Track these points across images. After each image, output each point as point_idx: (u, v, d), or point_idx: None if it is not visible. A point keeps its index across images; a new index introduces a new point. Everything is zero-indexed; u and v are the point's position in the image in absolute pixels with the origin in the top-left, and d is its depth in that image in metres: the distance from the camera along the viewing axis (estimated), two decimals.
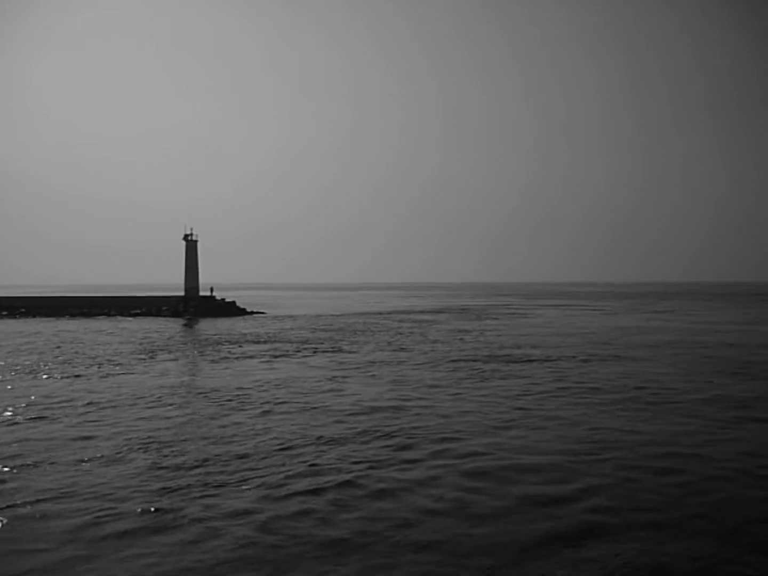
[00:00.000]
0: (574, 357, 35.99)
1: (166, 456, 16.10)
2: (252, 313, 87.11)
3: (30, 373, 31.08)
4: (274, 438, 17.88)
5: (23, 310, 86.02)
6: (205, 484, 13.92)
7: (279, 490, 13.60)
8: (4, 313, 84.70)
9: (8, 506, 12.62)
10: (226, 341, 47.74)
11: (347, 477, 14.42)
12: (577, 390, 25.10)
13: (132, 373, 30.81)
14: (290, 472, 14.73)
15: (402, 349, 40.96)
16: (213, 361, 35.72)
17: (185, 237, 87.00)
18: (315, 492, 13.45)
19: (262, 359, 36.32)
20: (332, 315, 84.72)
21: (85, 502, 12.83)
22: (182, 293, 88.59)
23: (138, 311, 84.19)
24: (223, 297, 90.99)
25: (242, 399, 23.87)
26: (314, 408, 22.16)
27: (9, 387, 26.87)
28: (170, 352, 40.37)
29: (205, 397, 24.42)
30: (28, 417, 20.80)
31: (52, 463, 15.50)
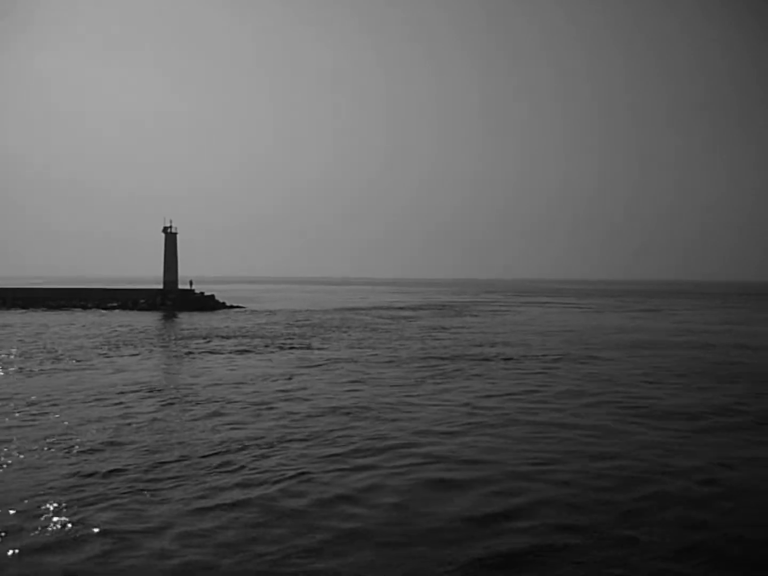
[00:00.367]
0: (544, 356, 35.26)
1: (87, 462, 15.16)
2: (231, 307, 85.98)
3: None
4: (211, 442, 16.97)
5: None
6: (122, 494, 13.02)
7: (199, 501, 12.72)
8: None
9: None
10: (195, 336, 46.74)
11: (276, 488, 13.54)
12: (540, 394, 24.28)
13: (86, 369, 29.80)
14: (217, 482, 13.84)
15: (372, 347, 40.12)
16: (175, 357, 34.78)
17: (164, 229, 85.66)
18: (238, 505, 12.55)
19: (226, 355, 35.39)
20: (312, 310, 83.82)
21: None
22: (161, 286, 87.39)
23: (115, 304, 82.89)
24: (202, 290, 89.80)
25: (191, 398, 22.95)
26: (264, 409, 21.26)
27: None
28: (135, 346, 39.35)
29: (153, 395, 23.49)
30: None
31: None
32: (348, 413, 20.56)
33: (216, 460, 15.25)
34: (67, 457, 15.48)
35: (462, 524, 11.71)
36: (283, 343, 41.69)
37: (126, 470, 14.41)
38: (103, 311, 78.19)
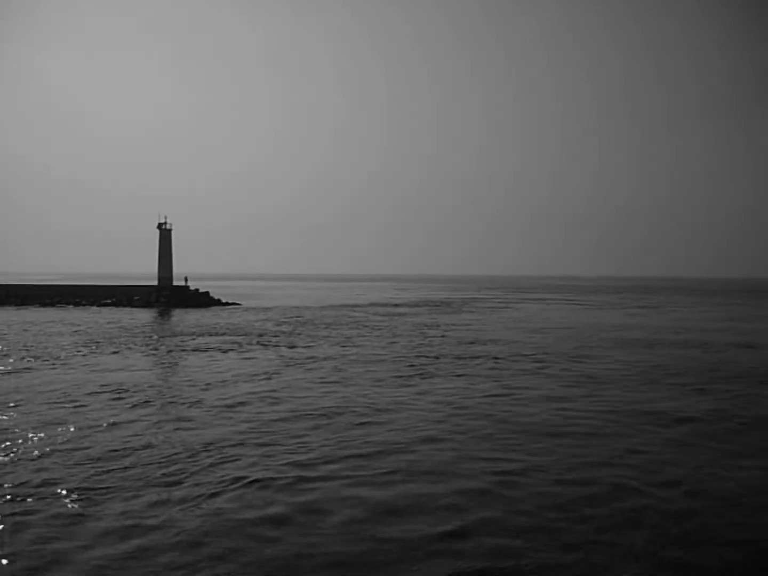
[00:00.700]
0: (534, 355, 34.31)
1: (21, 471, 14.27)
2: (227, 304, 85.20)
3: None
4: (164, 448, 16.11)
5: None
6: (44, 510, 12.15)
7: (129, 518, 11.86)
8: None
9: None
10: (182, 333, 45.94)
11: (217, 502, 12.67)
12: (520, 396, 23.30)
13: (60, 369, 29.00)
14: (156, 496, 12.95)
15: (358, 345, 39.22)
16: (155, 356, 33.95)
17: (159, 225, 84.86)
18: (169, 524, 11.65)
19: (208, 353, 34.57)
20: (308, 307, 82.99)
21: None
22: (156, 283, 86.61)
23: (109, 301, 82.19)
24: (197, 287, 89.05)
25: (159, 399, 22.10)
26: (231, 411, 20.40)
27: None
28: (117, 345, 38.57)
29: (121, 396, 22.62)
30: None
31: None
32: (316, 416, 19.67)
33: (162, 470, 14.36)
34: (2, 466, 14.62)
35: (413, 545, 10.83)
36: (269, 341, 40.83)
37: (60, 481, 13.50)
38: (97, 308, 77.51)
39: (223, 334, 45.60)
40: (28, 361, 31.32)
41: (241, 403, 21.39)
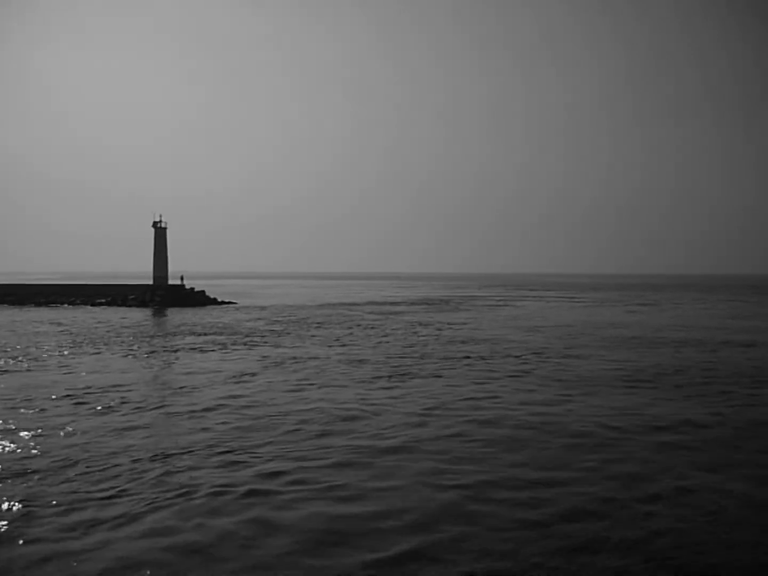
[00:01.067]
0: (522, 355, 33.31)
1: None
2: (222, 303, 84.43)
3: None
4: (106, 459, 15.24)
5: None
6: None
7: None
8: None
9: None
10: (170, 333, 45.15)
11: (134, 528, 11.80)
12: (494, 401, 22.29)
13: (34, 370, 28.17)
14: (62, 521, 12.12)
15: (345, 344, 38.32)
16: (134, 357, 33.11)
17: (154, 224, 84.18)
18: (91, 551, 10.81)
19: (189, 354, 33.72)
20: (304, 306, 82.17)
21: None
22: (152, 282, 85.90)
23: (103, 300, 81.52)
24: (192, 286, 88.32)
25: (121, 404, 21.20)
26: (193, 417, 19.52)
27: None
28: (100, 345, 37.78)
29: (85, 400, 21.76)
30: None
31: None
32: (282, 423, 18.75)
33: (103, 483, 13.45)
34: None
35: (360, 571, 9.94)
36: (255, 341, 39.98)
37: None
38: (91, 308, 76.86)
39: (211, 333, 44.78)
40: (5, 362, 30.55)
41: (207, 409, 20.47)
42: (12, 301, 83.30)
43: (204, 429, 18.01)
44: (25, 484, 13.29)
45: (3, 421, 18.81)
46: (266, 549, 10.49)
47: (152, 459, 15.11)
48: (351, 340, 40.52)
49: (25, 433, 17.44)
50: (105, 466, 14.52)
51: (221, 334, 44.74)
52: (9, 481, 13.54)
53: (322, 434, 17.43)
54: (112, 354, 34.09)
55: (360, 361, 31.25)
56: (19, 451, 15.76)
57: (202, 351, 35.13)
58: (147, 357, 32.95)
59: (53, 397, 22.34)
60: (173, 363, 30.84)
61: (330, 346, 37.29)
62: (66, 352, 34.46)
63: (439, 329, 48.40)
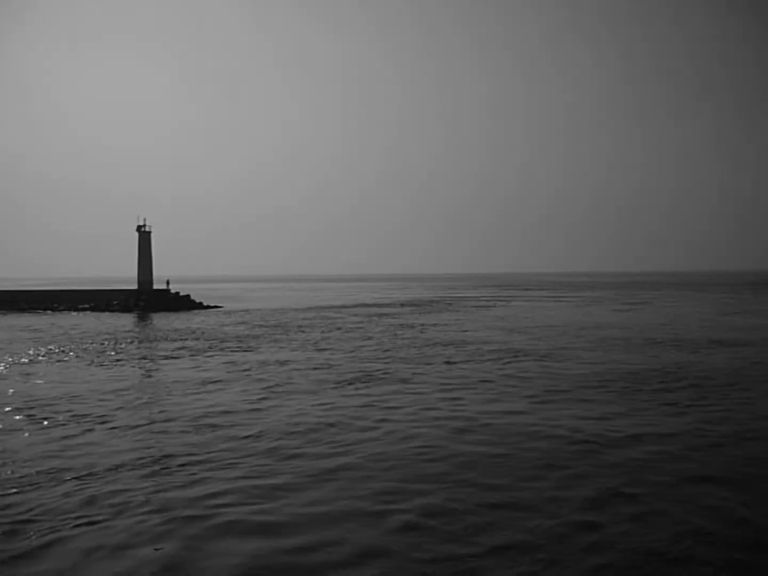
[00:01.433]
0: (499, 359, 32.22)
1: None
2: (207, 307, 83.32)
3: None
4: (20, 480, 14.18)
5: None
6: None
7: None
8: None
9: None
10: (146, 339, 44.05)
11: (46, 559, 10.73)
12: (456, 411, 21.17)
13: None
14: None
15: (322, 349, 37.23)
16: (99, 364, 31.97)
17: (138, 228, 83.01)
18: None
19: (156, 362, 32.63)
20: (291, 309, 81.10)
21: None
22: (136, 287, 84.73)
23: (87, 306, 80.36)
24: (178, 290, 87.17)
25: (63, 414, 20.10)
26: (135, 432, 18.44)
27: None
28: (66, 353, 36.67)
29: (23, 410, 20.67)
30: None
31: None
32: (223, 437, 17.63)
33: (12, 509, 12.41)
34: None
35: None
36: (230, 346, 38.89)
37: None
38: (74, 314, 75.69)
39: (187, 339, 43.69)
40: None
41: (153, 422, 19.38)
42: None
43: (142, 445, 16.91)
44: None
45: None
46: None
47: (75, 478, 14.03)
48: (328, 345, 39.47)
49: None
50: (14, 486, 13.43)
51: (197, 339, 43.67)
52: None
53: (269, 451, 16.30)
54: (79, 362, 32.99)
55: (330, 366, 30.19)
56: None
57: (172, 358, 34.05)
58: (113, 365, 31.84)
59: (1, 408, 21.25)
60: (138, 372, 29.74)
61: (305, 351, 36.22)
62: (30, 361, 33.35)
63: (422, 331, 47.37)
